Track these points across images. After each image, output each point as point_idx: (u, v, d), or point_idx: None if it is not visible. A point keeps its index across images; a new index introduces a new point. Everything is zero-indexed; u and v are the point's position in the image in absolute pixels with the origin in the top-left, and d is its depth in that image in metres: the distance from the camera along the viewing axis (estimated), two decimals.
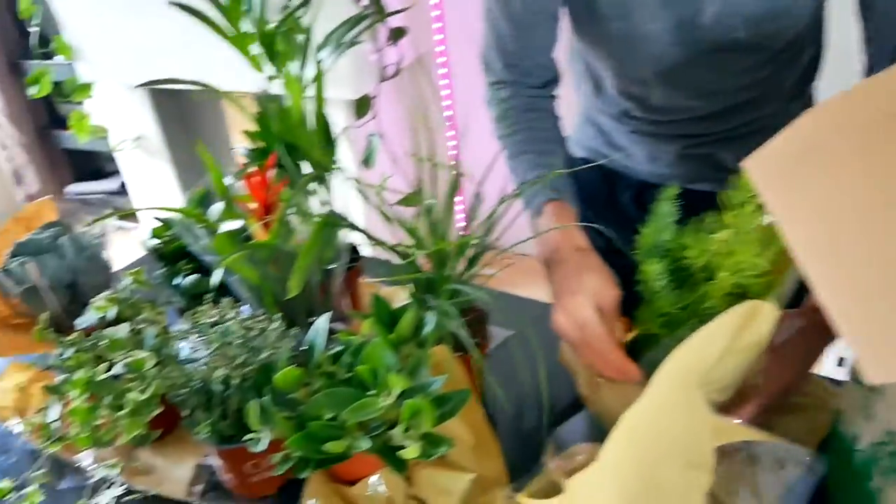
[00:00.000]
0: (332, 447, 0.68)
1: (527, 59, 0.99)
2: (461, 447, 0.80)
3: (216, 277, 0.74)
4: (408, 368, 0.73)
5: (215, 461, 0.86)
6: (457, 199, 0.85)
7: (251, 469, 0.83)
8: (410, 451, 0.67)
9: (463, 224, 0.86)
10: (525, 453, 0.84)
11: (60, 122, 3.30)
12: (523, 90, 1.02)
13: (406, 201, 1.01)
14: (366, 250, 1.13)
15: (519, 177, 0.97)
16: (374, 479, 0.82)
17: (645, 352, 0.79)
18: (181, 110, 2.75)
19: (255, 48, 0.88)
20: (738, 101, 0.97)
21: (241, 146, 0.99)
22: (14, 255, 0.98)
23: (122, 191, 3.27)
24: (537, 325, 0.85)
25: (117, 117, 2.71)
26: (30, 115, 3.26)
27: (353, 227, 0.79)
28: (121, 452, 0.91)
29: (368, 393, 0.71)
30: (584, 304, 0.77)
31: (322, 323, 0.76)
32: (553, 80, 1.04)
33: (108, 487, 0.83)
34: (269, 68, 0.90)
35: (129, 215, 3.43)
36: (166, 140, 2.71)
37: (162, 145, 2.71)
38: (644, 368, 0.75)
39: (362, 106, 1.44)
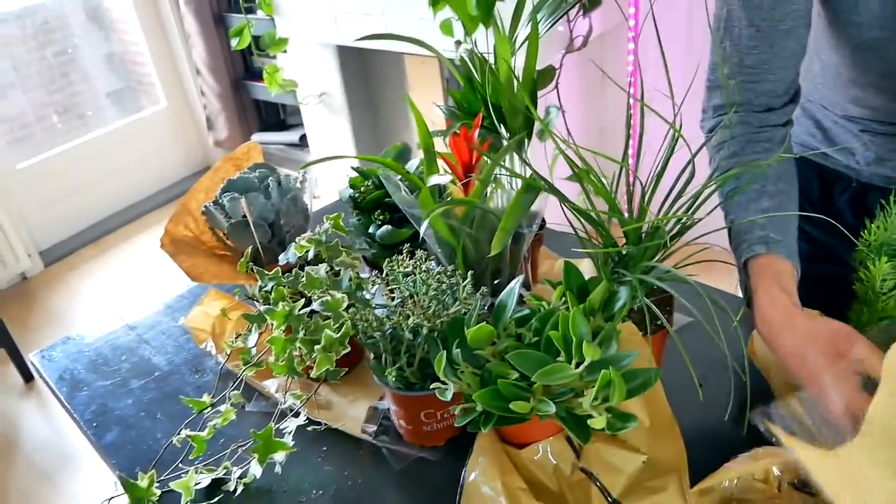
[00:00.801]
0: (518, 407, 0.68)
1: (769, 75, 0.86)
2: (638, 427, 0.78)
3: (423, 229, 0.76)
4: (598, 340, 0.72)
5: (390, 405, 0.89)
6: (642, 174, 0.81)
7: (425, 418, 0.85)
8: (597, 422, 0.66)
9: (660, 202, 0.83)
10: (700, 445, 0.80)
11: (254, 75, 3.52)
12: (753, 116, 0.89)
13: (576, 177, 0.99)
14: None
15: (733, 218, 0.86)
16: (543, 444, 0.82)
17: None
18: (364, 69, 2.85)
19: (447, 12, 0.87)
20: None
21: (441, 105, 1.01)
22: (225, 190, 1.06)
23: (301, 143, 3.45)
24: (720, 315, 0.81)
25: (306, 73, 2.84)
26: (227, 66, 3.50)
27: (555, 191, 0.79)
28: (304, 386, 0.97)
29: (558, 359, 0.70)
30: (853, 393, 0.66)
31: (515, 285, 0.77)
32: (793, 101, 0.91)
33: (293, 415, 0.88)
34: (459, 33, 0.90)
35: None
36: (347, 98, 2.82)
37: (343, 103, 2.82)
38: None
39: (545, 76, 1.42)
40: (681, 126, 0.80)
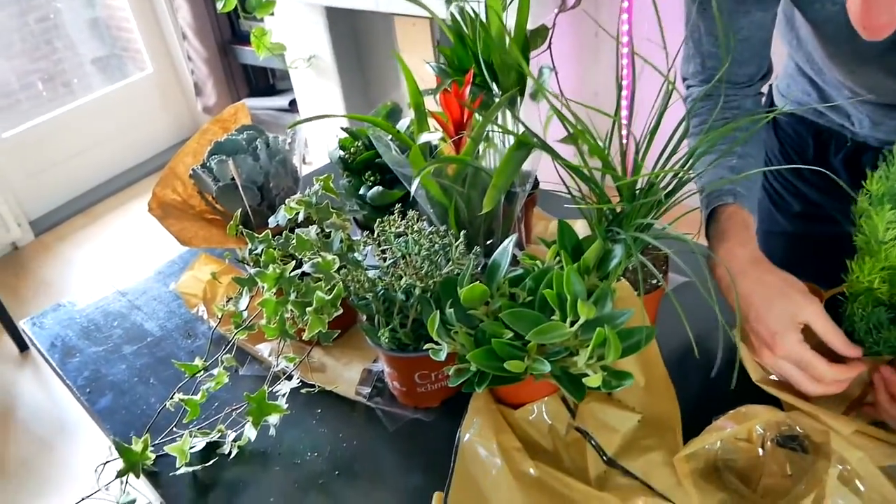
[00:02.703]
0: (513, 366, 0.68)
1: (733, 70, 0.91)
2: (633, 386, 0.78)
3: (413, 188, 0.75)
4: (593, 299, 0.71)
5: (384, 367, 0.89)
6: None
7: (419, 380, 0.85)
8: (592, 381, 0.65)
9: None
10: (689, 404, 0.81)
11: (241, 38, 3.46)
12: (723, 87, 0.92)
13: (571, 139, 0.98)
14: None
15: (702, 177, 0.89)
16: (538, 404, 0.82)
17: (852, 307, 0.73)
18: (353, 32, 2.80)
19: None
20: None
21: (432, 63, 0.99)
22: (212, 153, 1.04)
23: (291, 109, 3.41)
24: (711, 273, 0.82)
25: (295, 36, 2.80)
26: (214, 29, 3.44)
27: (548, 148, 0.77)
28: (297, 349, 0.96)
29: (552, 318, 0.70)
30: (795, 343, 0.73)
31: (508, 244, 0.76)
32: (763, 79, 0.95)
33: (286, 378, 0.87)
34: None
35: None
36: (336, 61, 2.78)
37: (332, 66, 2.78)
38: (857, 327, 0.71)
39: (538, 36, 1.39)
40: (674, 80, 0.79)
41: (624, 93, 2.42)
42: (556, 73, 0.99)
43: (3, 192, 3.09)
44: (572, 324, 0.69)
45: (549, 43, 1.35)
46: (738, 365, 0.72)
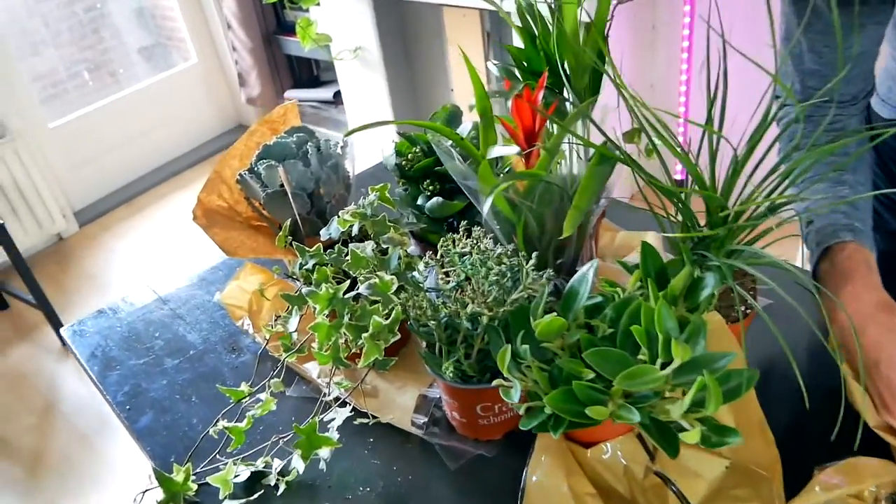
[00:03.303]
0: (596, 413, 0.60)
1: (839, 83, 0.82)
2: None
3: (485, 209, 0.67)
4: (685, 335, 0.63)
5: (442, 396, 0.82)
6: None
7: (482, 412, 0.78)
8: (690, 436, 0.57)
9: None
10: (781, 447, 0.72)
11: (286, 29, 3.42)
12: (822, 107, 0.85)
13: (628, 137, 0.89)
14: None
15: (808, 211, 0.82)
16: (612, 444, 0.75)
17: None
18: (401, 23, 2.73)
19: None
20: None
21: (497, 63, 0.91)
22: (260, 157, 0.98)
23: (335, 100, 3.35)
24: (803, 295, 0.73)
25: (340, 27, 2.73)
26: (258, 19, 3.40)
27: (632, 162, 0.69)
28: (349, 371, 0.90)
29: (639, 356, 0.62)
30: None
31: (589, 272, 0.68)
32: (866, 97, 0.88)
33: (338, 405, 0.81)
34: None
35: (340, 121, 3.52)
36: (383, 53, 2.71)
37: (378, 58, 2.71)
38: None
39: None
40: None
41: (683, 88, 2.31)
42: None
43: (49, 182, 3.09)
44: (663, 365, 0.61)
45: (606, 36, 1.26)
46: (842, 407, 0.63)
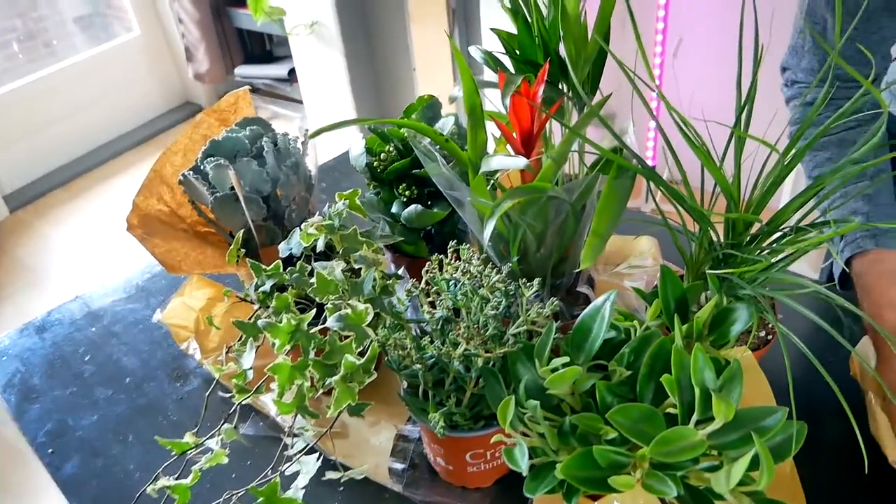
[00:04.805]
0: (621, 484, 0.49)
1: (859, 65, 0.78)
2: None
3: (486, 234, 0.56)
4: (719, 384, 0.53)
5: (424, 440, 0.71)
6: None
7: (471, 459, 0.67)
8: None
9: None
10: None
11: (236, 0, 3.22)
12: (840, 89, 0.81)
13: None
14: None
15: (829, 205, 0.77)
16: (617, 499, 0.64)
17: None
18: None
19: None
20: None
21: (479, 48, 0.78)
22: (208, 154, 0.84)
23: (290, 78, 3.18)
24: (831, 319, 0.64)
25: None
26: None
27: (654, 175, 0.58)
28: (314, 403, 0.78)
29: (665, 407, 0.52)
30: None
31: (605, 305, 0.57)
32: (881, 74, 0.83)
33: (302, 453, 0.69)
34: None
35: (294, 100, 3.35)
36: (341, 28, 2.54)
37: (336, 33, 2.55)
38: None
39: None
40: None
41: (657, 72, 2.21)
42: None
43: None
44: (698, 422, 0.51)
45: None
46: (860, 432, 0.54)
